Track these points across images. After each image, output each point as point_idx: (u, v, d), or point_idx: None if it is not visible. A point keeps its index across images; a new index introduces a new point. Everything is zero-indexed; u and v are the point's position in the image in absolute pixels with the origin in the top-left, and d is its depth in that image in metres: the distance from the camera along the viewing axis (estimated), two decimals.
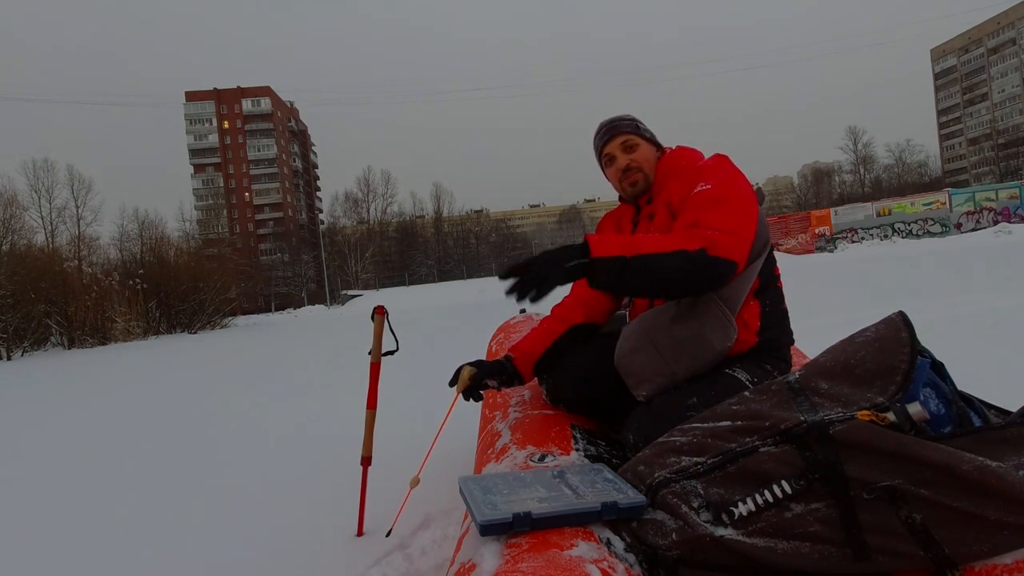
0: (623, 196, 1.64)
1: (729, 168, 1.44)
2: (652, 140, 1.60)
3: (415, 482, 1.62)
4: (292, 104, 67.84)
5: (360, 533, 1.91)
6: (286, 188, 61.71)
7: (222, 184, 59.28)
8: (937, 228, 26.32)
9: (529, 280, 1.19)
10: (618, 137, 1.57)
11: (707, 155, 1.60)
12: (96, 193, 57.14)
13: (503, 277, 1.22)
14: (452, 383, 1.57)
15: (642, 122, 1.61)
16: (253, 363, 8.38)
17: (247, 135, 60.30)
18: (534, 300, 1.21)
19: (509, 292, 1.20)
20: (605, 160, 1.61)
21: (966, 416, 0.99)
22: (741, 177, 1.41)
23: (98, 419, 4.82)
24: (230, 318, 22.40)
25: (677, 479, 0.97)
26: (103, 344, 17.14)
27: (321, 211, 69.18)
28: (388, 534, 1.83)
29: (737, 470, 0.93)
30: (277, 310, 39.57)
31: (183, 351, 11.87)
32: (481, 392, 1.60)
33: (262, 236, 59.01)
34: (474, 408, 1.92)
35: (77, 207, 41.16)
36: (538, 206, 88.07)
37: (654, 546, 0.92)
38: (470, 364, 1.58)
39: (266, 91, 61.31)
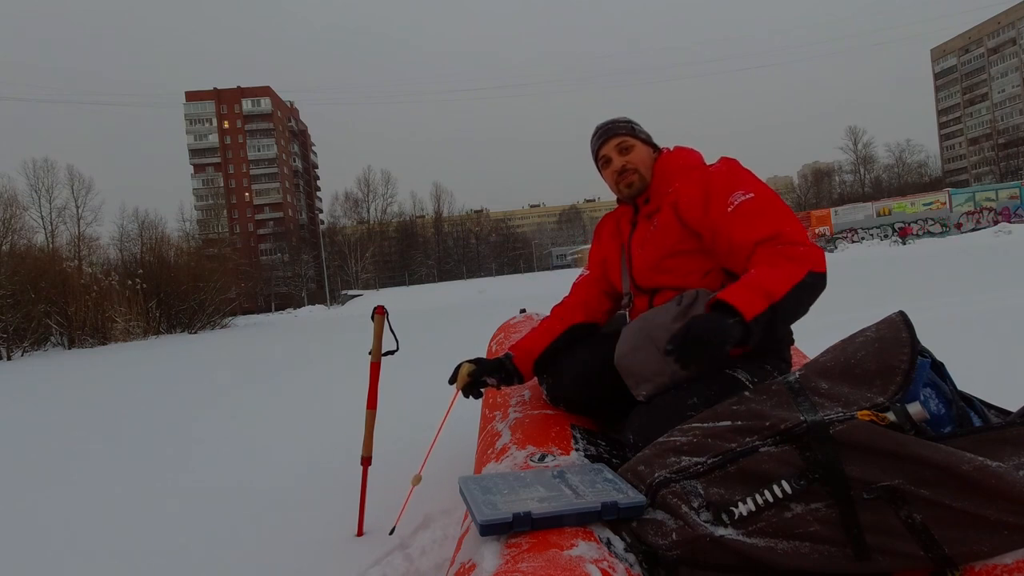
0: (620, 197, 1.64)
1: (751, 174, 1.45)
2: (648, 141, 1.60)
3: (417, 480, 1.62)
4: (292, 104, 67.85)
5: (360, 533, 1.91)
6: (286, 188, 61.71)
7: (222, 184, 59.27)
8: (937, 228, 26.32)
9: (697, 353, 1.14)
10: (614, 139, 1.57)
11: (707, 156, 1.60)
12: (96, 193, 56.99)
13: (673, 354, 1.16)
14: (452, 380, 1.57)
15: (638, 124, 1.62)
16: (253, 363, 8.38)
17: (247, 135, 60.29)
18: (699, 368, 1.21)
19: (678, 360, 1.16)
20: (601, 162, 1.61)
21: (966, 416, 0.99)
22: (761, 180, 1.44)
23: (98, 418, 4.82)
24: (230, 318, 22.37)
25: (677, 479, 0.97)
26: (103, 344, 17.13)
27: (321, 211, 69.19)
28: (392, 532, 1.84)
29: (737, 470, 0.93)
30: (277, 310, 39.53)
31: (183, 351, 11.87)
32: (481, 390, 1.61)
33: (262, 236, 59.01)
34: (474, 408, 1.92)
35: (77, 207, 41.19)
36: (538, 206, 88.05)
37: (654, 546, 0.92)
38: (469, 361, 1.58)
39: (266, 91, 61.30)
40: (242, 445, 3.40)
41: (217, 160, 59.75)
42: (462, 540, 1.04)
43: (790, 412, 0.95)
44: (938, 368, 1.02)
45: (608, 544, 0.91)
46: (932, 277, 9.15)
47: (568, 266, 47.86)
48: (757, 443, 0.94)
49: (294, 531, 2.02)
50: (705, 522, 0.91)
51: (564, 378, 1.54)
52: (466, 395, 1.59)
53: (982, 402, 1.04)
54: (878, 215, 27.68)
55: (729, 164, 1.47)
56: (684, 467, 0.98)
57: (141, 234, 34.86)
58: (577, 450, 1.29)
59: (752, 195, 1.36)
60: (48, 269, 18.29)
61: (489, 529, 0.90)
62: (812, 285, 1.24)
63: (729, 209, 1.36)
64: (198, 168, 59.84)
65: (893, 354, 0.95)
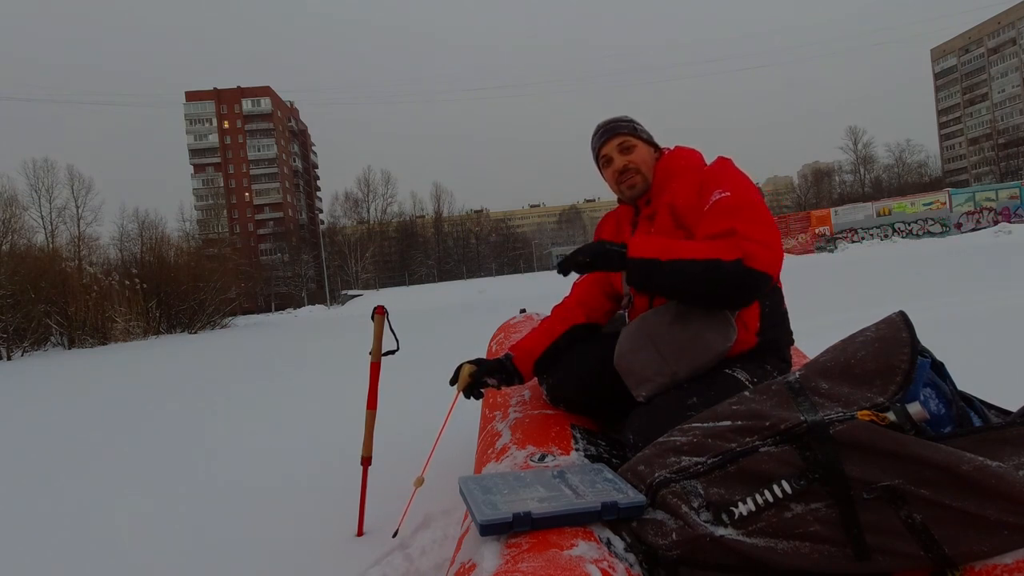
0: (621, 198, 1.64)
1: (739, 173, 1.44)
2: (649, 141, 1.60)
3: (419, 482, 1.62)
4: (292, 104, 67.84)
5: (360, 533, 1.91)
6: (286, 188, 61.70)
7: (222, 184, 59.27)
8: (937, 228, 26.32)
9: (570, 260, 1.33)
10: (615, 138, 1.56)
11: (706, 156, 1.60)
12: (96, 193, 57.11)
13: (560, 267, 1.36)
14: (452, 381, 1.57)
15: (639, 123, 1.61)
16: (253, 363, 8.38)
17: (247, 135, 60.29)
18: (574, 271, 1.36)
19: (558, 268, 1.37)
20: (602, 161, 1.61)
21: (966, 416, 0.98)
22: (751, 182, 1.42)
23: (97, 419, 4.82)
24: (230, 318, 22.37)
25: (677, 479, 0.97)
26: (103, 344, 17.13)
27: (321, 211, 69.18)
28: (395, 535, 1.83)
29: (737, 470, 0.93)
30: (277, 310, 39.53)
31: (183, 351, 11.87)
32: (481, 390, 1.61)
33: (262, 236, 59.00)
34: (474, 408, 1.92)
35: (77, 207, 41.19)
36: (538, 206, 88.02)
37: (654, 546, 0.92)
38: (470, 362, 1.58)
39: (266, 91, 61.30)
40: (242, 445, 3.40)
41: (217, 160, 59.73)
42: (462, 540, 1.04)
43: (790, 412, 0.95)
44: (938, 368, 1.02)
45: (608, 544, 0.91)
46: (932, 277, 9.15)
47: None
48: (757, 443, 0.94)
49: (294, 531, 2.02)
50: (705, 522, 0.91)
51: (564, 378, 1.54)
52: (467, 396, 1.59)
53: (982, 402, 1.04)
54: (878, 215, 27.67)
55: (721, 164, 1.47)
56: (684, 467, 0.98)
57: (141, 234, 34.85)
58: (577, 450, 1.29)
59: (728, 194, 1.35)
60: (48, 269, 18.30)
61: (489, 529, 0.90)
62: (732, 272, 1.24)
63: (706, 207, 1.37)
64: (198, 168, 59.82)
65: (893, 354, 0.95)
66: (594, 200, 78.64)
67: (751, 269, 1.23)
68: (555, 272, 1.39)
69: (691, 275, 1.25)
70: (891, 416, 0.88)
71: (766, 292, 1.42)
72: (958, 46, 62.35)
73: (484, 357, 1.68)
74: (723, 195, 1.35)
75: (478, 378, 1.57)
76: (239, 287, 24.46)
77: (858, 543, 0.84)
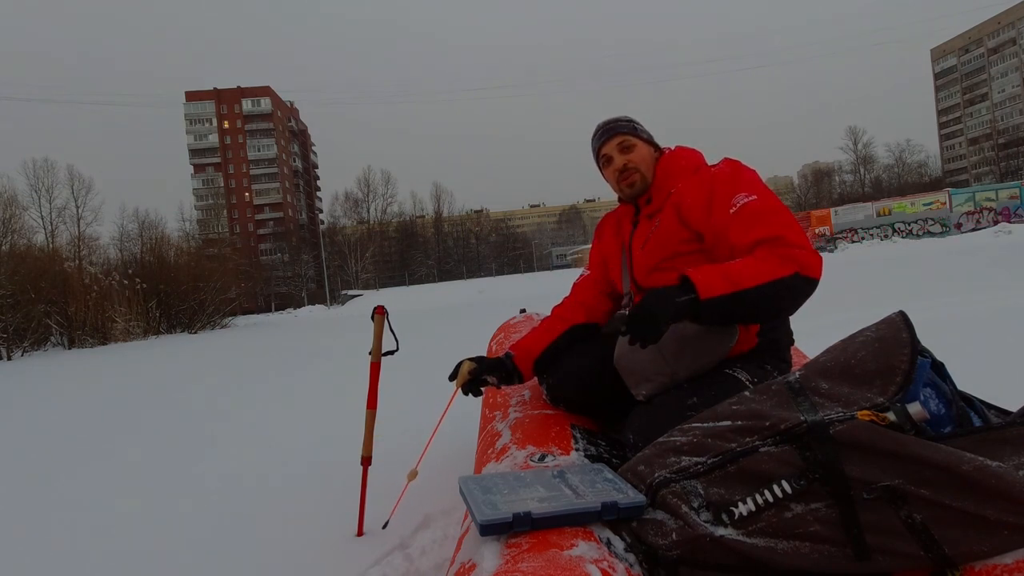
0: (622, 197, 1.64)
1: (755, 175, 1.44)
2: (650, 141, 1.60)
3: (413, 475, 1.62)
4: (292, 104, 67.84)
5: (360, 533, 1.91)
6: (286, 188, 61.70)
7: (222, 184, 59.27)
8: (937, 228, 26.32)
9: (641, 322, 1.20)
10: (615, 138, 1.57)
11: (708, 156, 1.60)
12: (96, 193, 57.26)
13: (623, 333, 1.23)
14: (452, 377, 1.57)
15: (639, 123, 1.61)
16: (253, 363, 8.38)
17: (247, 135, 60.29)
18: (648, 342, 1.22)
19: (626, 335, 1.23)
20: (602, 161, 1.61)
21: (966, 416, 0.98)
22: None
23: (97, 419, 4.82)
24: (230, 318, 22.35)
25: (677, 479, 0.97)
26: (103, 344, 17.12)
27: (321, 211, 69.19)
28: (385, 526, 1.84)
29: (737, 470, 0.93)
30: (277, 310, 39.50)
31: (183, 351, 11.87)
32: (481, 388, 1.61)
33: (262, 236, 59.00)
34: (474, 408, 1.92)
35: (77, 207, 41.20)
36: (538, 206, 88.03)
37: (654, 546, 0.92)
38: (470, 360, 1.59)
39: (266, 91, 61.30)
40: (242, 445, 3.40)
41: (217, 160, 59.74)
42: (462, 540, 1.04)
43: (790, 412, 0.95)
44: (938, 368, 1.02)
45: (608, 544, 0.91)
46: (932, 277, 9.15)
47: (568, 266, 47.85)
48: (757, 443, 0.94)
49: (294, 531, 2.02)
50: (705, 522, 0.91)
51: (564, 378, 1.54)
52: (466, 392, 1.59)
53: (982, 402, 1.04)
54: (878, 215, 27.67)
55: (732, 165, 1.47)
56: (684, 467, 0.98)
57: (141, 234, 34.91)
58: (577, 450, 1.29)
59: (755, 197, 1.35)
60: (48, 269, 18.29)
61: (489, 529, 0.90)
62: (794, 287, 1.22)
63: (732, 211, 1.35)
64: (198, 168, 59.83)
65: (893, 354, 0.95)
66: (594, 200, 78.64)
67: (808, 279, 1.23)
68: (625, 338, 1.24)
69: (762, 300, 1.22)
70: (891, 416, 0.88)
71: None
72: (958, 46, 62.35)
73: (484, 356, 1.68)
74: (750, 199, 1.34)
75: (478, 375, 1.57)
76: (239, 287, 24.44)
77: (858, 543, 0.84)
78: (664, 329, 1.20)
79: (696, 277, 1.21)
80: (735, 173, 1.43)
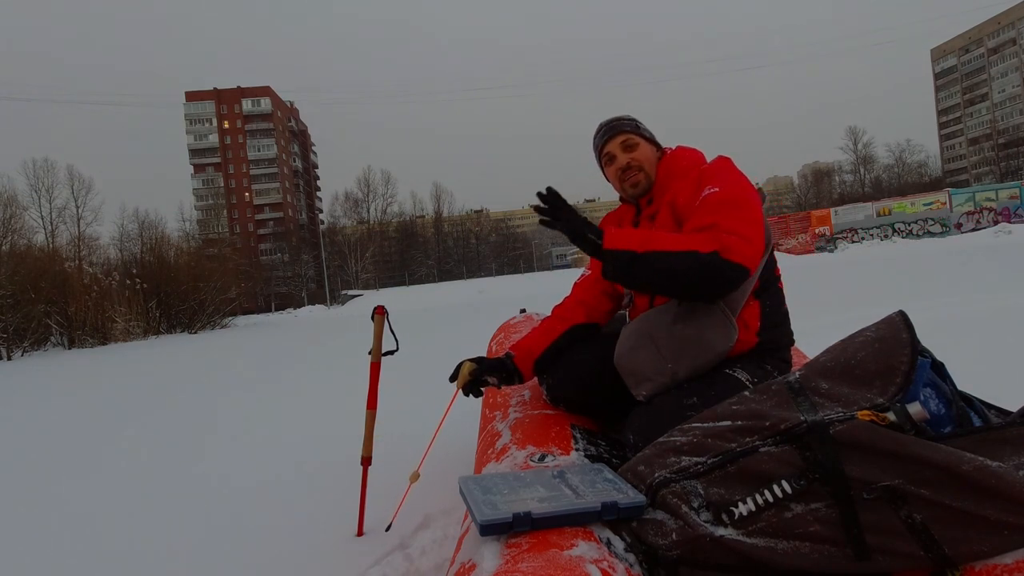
0: (623, 196, 1.64)
1: (734, 171, 1.44)
2: (652, 140, 1.60)
3: (415, 477, 1.62)
4: (292, 104, 67.84)
5: (360, 533, 1.91)
6: (286, 188, 61.70)
7: (222, 184, 59.28)
8: (937, 228, 26.31)
9: (552, 216, 1.34)
10: (618, 136, 1.57)
11: (708, 156, 1.60)
12: (96, 193, 57.33)
13: (543, 199, 1.36)
14: (452, 378, 1.57)
15: (642, 123, 1.61)
16: (253, 363, 8.38)
17: (247, 135, 60.29)
18: (545, 225, 1.37)
19: (539, 210, 1.37)
20: (605, 159, 1.61)
21: (966, 416, 0.98)
22: (746, 180, 1.42)
23: (97, 419, 4.82)
24: (230, 318, 22.34)
25: (677, 479, 0.97)
26: (103, 344, 17.11)
27: (321, 211, 69.20)
28: (388, 528, 1.84)
29: (737, 470, 0.93)
30: (277, 310, 39.50)
31: (183, 351, 11.87)
32: (481, 388, 1.61)
33: (262, 236, 59.00)
34: (474, 408, 1.92)
35: (77, 207, 41.28)
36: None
37: (654, 546, 0.92)
38: (471, 360, 1.59)
39: (266, 91, 61.29)
40: (242, 445, 3.40)
41: (217, 160, 59.74)
42: (462, 540, 1.04)
43: (790, 412, 0.95)
44: (938, 368, 1.02)
45: (608, 544, 0.91)
46: (932, 277, 9.15)
47: (568, 266, 47.85)
48: (757, 443, 0.94)
49: (294, 531, 2.02)
50: (705, 522, 0.91)
51: (564, 378, 1.54)
52: (466, 393, 1.59)
53: (982, 402, 1.04)
54: (878, 215, 27.65)
55: (719, 162, 1.48)
56: (684, 467, 0.98)
57: (141, 234, 34.89)
58: (577, 450, 1.29)
59: (717, 190, 1.36)
60: (48, 269, 18.28)
61: (489, 529, 0.90)
62: (709, 264, 1.24)
63: (697, 203, 1.38)
64: (198, 168, 59.83)
65: (893, 354, 0.95)
66: (594, 200, 78.55)
67: (727, 261, 1.24)
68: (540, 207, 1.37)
69: (667, 267, 1.26)
70: (891, 416, 0.88)
71: (771, 289, 1.43)
72: (958, 46, 62.34)
73: (484, 356, 1.68)
74: (712, 191, 1.36)
75: (478, 376, 1.57)
76: (239, 287, 24.40)
77: (858, 543, 0.84)
78: (557, 227, 1.34)
79: (611, 229, 1.30)
80: (717, 169, 1.45)
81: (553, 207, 1.34)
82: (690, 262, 1.24)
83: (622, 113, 1.62)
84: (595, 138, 1.62)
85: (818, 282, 10.61)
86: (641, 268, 1.26)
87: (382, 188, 61.91)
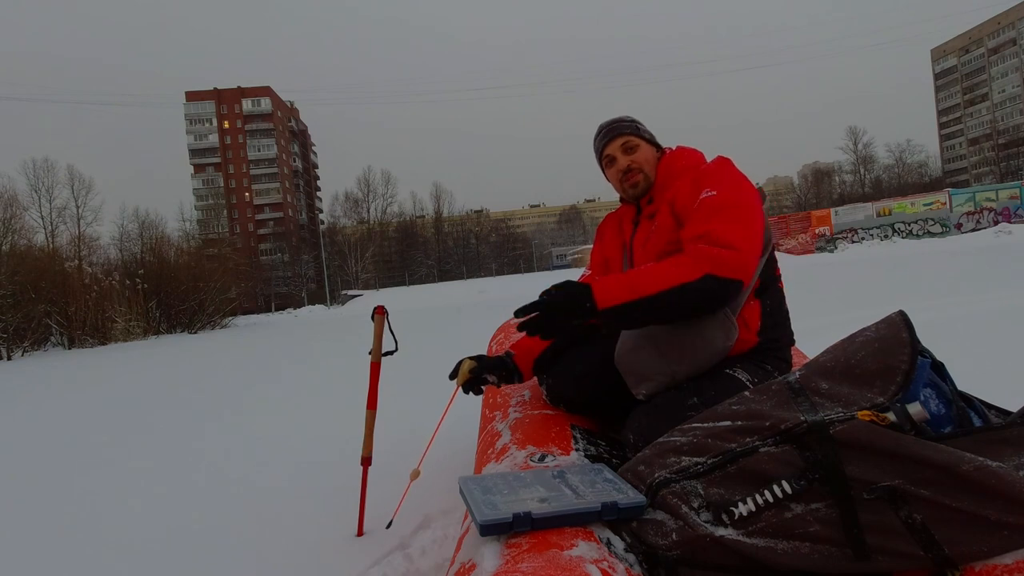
0: (624, 197, 1.64)
1: (733, 172, 1.43)
2: (652, 141, 1.60)
3: (415, 474, 1.62)
4: (292, 104, 67.84)
5: (360, 533, 1.91)
6: (286, 188, 61.70)
7: (222, 184, 59.28)
8: (937, 228, 26.30)
9: (538, 326, 1.26)
10: (618, 138, 1.57)
11: (708, 156, 1.60)
12: (96, 193, 57.38)
13: (518, 316, 1.28)
14: (452, 376, 1.57)
15: (642, 123, 1.61)
16: (253, 363, 8.38)
17: (247, 135, 60.29)
18: (544, 338, 1.28)
19: (521, 328, 1.28)
20: (605, 161, 1.61)
21: (966, 416, 0.98)
22: (746, 182, 1.41)
23: (98, 418, 4.82)
24: (230, 318, 22.34)
25: (677, 479, 0.97)
26: (103, 344, 17.11)
27: (321, 211, 69.21)
28: (388, 526, 1.84)
29: (737, 470, 0.93)
30: (277, 310, 39.47)
31: (183, 351, 11.87)
32: (481, 387, 1.61)
33: (262, 236, 59.01)
34: (474, 408, 1.92)
35: (77, 207, 41.24)
36: (538, 206, 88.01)
37: (654, 546, 0.92)
38: (471, 358, 1.59)
39: (266, 91, 61.30)
40: (242, 445, 3.40)
41: (217, 160, 59.75)
42: (462, 540, 1.04)
43: (790, 412, 0.94)
44: (938, 368, 1.02)
45: (608, 544, 0.91)
46: (932, 277, 9.15)
47: (568, 266, 47.84)
48: (757, 443, 0.94)
49: (294, 531, 2.02)
50: (705, 522, 0.91)
51: (564, 378, 1.54)
52: (466, 391, 1.59)
53: (982, 402, 1.04)
54: (878, 215, 27.64)
55: (719, 163, 1.47)
56: (684, 467, 0.98)
57: (141, 234, 34.88)
58: (577, 450, 1.29)
59: (714, 193, 1.35)
60: (48, 269, 18.27)
61: (489, 529, 0.90)
62: (702, 290, 1.23)
63: (694, 206, 1.37)
64: (198, 168, 59.83)
65: (893, 354, 0.95)
66: (594, 200, 78.62)
67: (720, 279, 1.23)
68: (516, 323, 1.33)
69: (663, 308, 1.25)
70: (891, 416, 0.88)
71: (771, 289, 1.43)
72: (958, 46, 62.34)
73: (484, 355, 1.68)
74: (709, 194, 1.35)
75: (478, 374, 1.57)
76: (239, 287, 24.41)
77: (858, 543, 0.84)
78: (555, 336, 1.27)
79: (597, 286, 1.24)
80: (716, 170, 1.44)
81: (531, 315, 1.26)
82: (685, 295, 1.23)
83: (622, 114, 1.62)
84: (595, 140, 1.62)
85: (818, 282, 10.61)
86: (639, 315, 1.25)
87: (382, 188, 62.08)
